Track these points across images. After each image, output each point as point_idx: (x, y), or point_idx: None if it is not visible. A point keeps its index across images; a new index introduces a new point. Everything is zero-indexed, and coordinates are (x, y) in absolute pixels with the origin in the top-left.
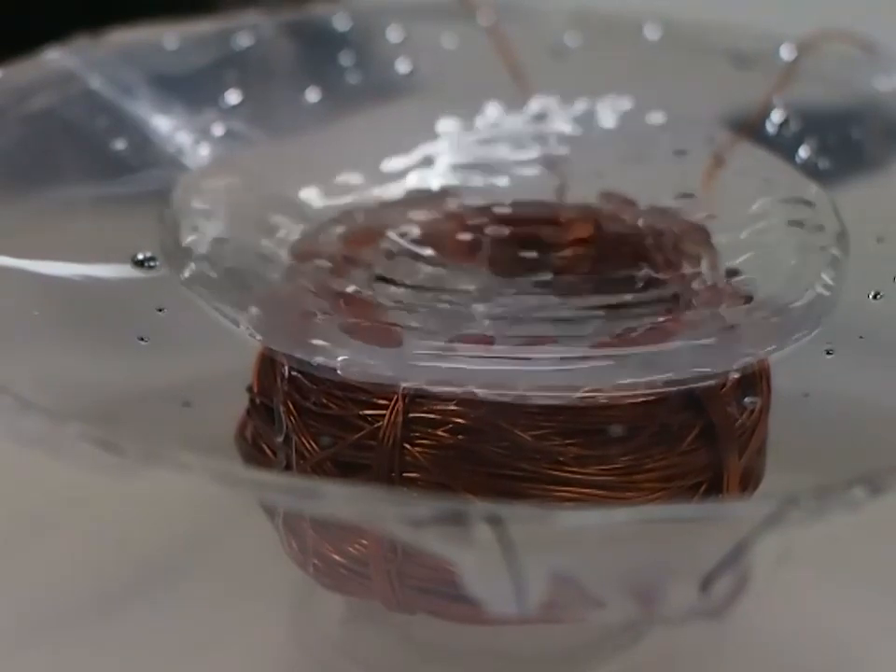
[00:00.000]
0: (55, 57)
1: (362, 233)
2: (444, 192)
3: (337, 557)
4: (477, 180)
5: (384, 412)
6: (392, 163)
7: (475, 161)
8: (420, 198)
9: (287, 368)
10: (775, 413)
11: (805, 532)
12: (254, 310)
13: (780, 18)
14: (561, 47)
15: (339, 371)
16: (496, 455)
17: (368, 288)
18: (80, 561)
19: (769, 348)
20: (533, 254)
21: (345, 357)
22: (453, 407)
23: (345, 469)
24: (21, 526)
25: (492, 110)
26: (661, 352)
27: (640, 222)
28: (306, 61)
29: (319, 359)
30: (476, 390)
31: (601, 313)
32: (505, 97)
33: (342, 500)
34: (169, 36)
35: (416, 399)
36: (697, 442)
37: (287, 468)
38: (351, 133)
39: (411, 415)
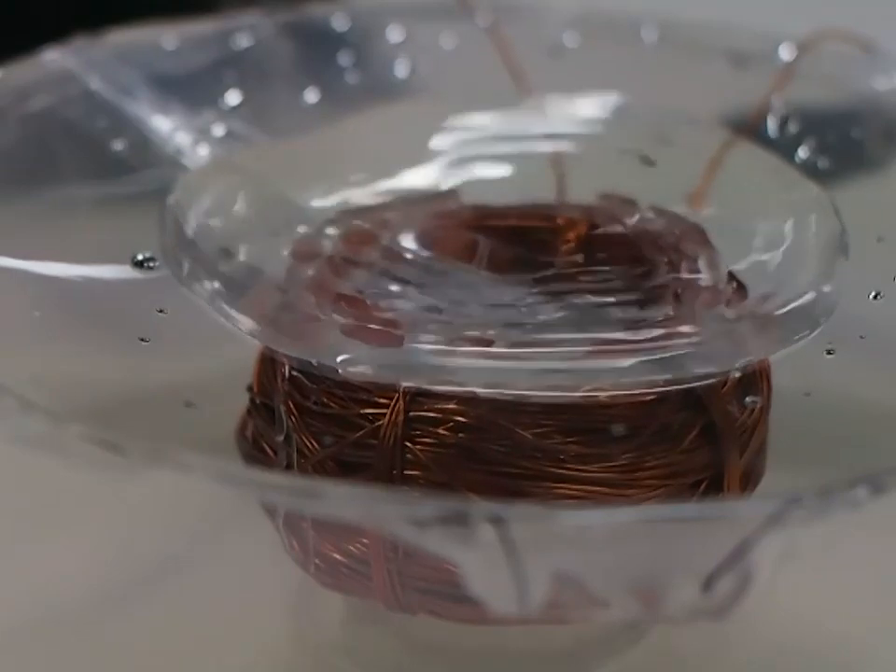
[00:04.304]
0: (55, 57)
1: (362, 233)
2: (443, 192)
3: (338, 556)
4: (476, 180)
5: (384, 410)
6: (391, 164)
7: (474, 162)
8: (419, 198)
9: (287, 367)
10: (775, 412)
11: (807, 531)
12: (254, 310)
13: (780, 18)
14: (560, 47)
15: (339, 371)
16: (497, 453)
17: (368, 288)
18: (81, 561)
19: (769, 348)
20: (532, 254)
21: (346, 357)
22: (453, 405)
23: (346, 469)
24: (22, 526)
25: (491, 111)
26: (661, 352)
27: (640, 223)
28: (305, 61)
29: (320, 359)
30: (477, 389)
31: (601, 313)
32: (504, 97)
33: (343, 500)
34: (168, 36)
35: (417, 397)
36: (698, 441)
37: (288, 467)
38: (350, 133)
39: (411, 414)
